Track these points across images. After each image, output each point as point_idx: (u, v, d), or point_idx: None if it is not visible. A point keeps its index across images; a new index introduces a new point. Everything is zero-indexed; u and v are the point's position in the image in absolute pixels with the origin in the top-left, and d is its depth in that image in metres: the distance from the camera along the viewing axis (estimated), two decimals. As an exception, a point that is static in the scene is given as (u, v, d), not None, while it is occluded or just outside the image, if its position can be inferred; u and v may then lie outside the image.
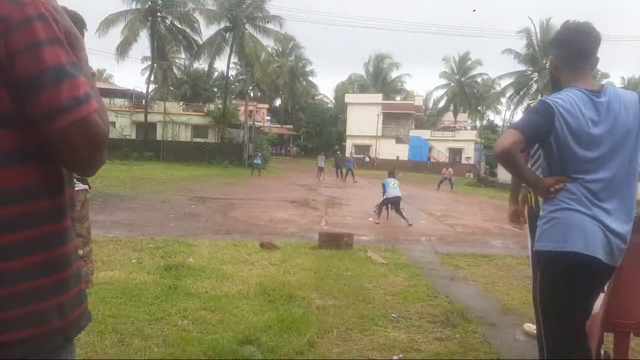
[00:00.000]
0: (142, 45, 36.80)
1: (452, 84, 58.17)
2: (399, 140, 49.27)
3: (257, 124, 40.16)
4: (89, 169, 1.02)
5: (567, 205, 2.02)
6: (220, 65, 55.87)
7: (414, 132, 50.29)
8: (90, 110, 0.93)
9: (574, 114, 2.00)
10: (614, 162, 2.01)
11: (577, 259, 1.97)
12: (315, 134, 56.90)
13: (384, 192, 11.16)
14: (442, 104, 61.34)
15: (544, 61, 38.89)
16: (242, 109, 37.12)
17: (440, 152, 48.57)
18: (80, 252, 2.59)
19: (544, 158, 2.15)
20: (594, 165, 2.01)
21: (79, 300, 1.09)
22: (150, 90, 40.48)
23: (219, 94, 52.17)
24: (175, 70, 50.84)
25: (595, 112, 2.02)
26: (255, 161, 28.02)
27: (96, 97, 0.98)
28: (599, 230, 1.97)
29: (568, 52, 2.14)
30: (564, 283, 2.04)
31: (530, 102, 3.74)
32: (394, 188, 11.05)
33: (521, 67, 42.32)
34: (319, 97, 67.57)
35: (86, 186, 2.77)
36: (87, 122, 0.92)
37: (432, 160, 46.80)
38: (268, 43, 37.42)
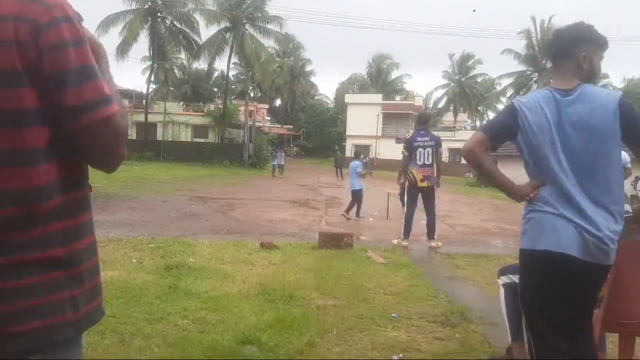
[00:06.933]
0: (142, 45, 36.67)
1: (452, 84, 58.05)
2: (399, 140, 49.21)
3: (257, 124, 40.13)
4: (111, 164, 1.09)
5: (539, 207, 2.06)
6: (221, 65, 55.83)
7: (414, 133, 50.11)
8: (111, 111, 1.00)
9: (535, 112, 2.05)
10: (581, 160, 2.01)
11: (549, 257, 1.99)
12: (316, 134, 56.84)
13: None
14: (442, 104, 61.22)
15: (544, 61, 38.89)
16: (242, 109, 37.10)
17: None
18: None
19: (522, 160, 2.18)
20: (562, 164, 2.02)
21: (94, 294, 1.11)
22: (150, 90, 40.49)
23: (219, 94, 52.10)
24: (176, 70, 50.79)
25: (555, 111, 2.04)
26: (279, 162, 29.40)
27: (116, 99, 1.04)
28: (572, 228, 1.97)
29: (549, 54, 2.27)
30: (538, 281, 2.08)
31: None
32: (357, 177, 10.88)
33: (521, 67, 42.40)
34: (319, 97, 67.54)
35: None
36: (108, 123, 1.00)
37: None
38: (268, 43, 37.41)
